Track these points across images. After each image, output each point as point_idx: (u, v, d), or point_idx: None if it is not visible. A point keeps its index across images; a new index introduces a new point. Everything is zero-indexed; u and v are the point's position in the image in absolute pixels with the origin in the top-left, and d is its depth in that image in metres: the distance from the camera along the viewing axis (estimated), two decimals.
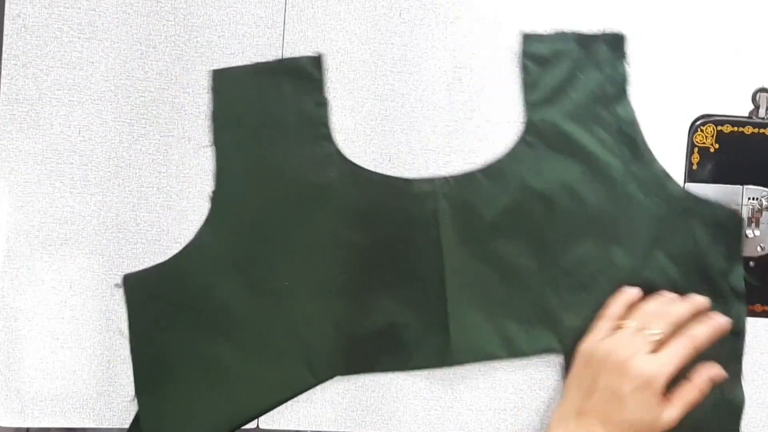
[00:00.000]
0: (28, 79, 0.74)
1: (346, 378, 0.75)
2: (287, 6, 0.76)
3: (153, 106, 0.75)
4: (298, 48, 0.75)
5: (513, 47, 0.76)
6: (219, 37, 0.76)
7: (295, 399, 0.74)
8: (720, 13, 0.77)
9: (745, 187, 0.77)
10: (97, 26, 0.75)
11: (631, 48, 0.76)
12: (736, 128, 0.77)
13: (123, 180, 0.75)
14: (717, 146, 0.77)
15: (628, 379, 0.63)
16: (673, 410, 0.64)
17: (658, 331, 0.66)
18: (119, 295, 0.74)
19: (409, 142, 0.76)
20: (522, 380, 0.75)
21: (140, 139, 0.75)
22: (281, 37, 0.76)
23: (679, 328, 0.67)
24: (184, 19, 0.75)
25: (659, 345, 0.66)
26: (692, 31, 0.77)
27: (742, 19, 0.77)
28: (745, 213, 0.76)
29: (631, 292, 0.71)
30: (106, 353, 0.74)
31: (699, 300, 0.70)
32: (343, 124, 0.75)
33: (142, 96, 0.75)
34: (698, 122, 0.77)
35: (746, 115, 0.77)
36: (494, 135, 0.76)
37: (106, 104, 0.75)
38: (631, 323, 0.67)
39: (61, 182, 0.75)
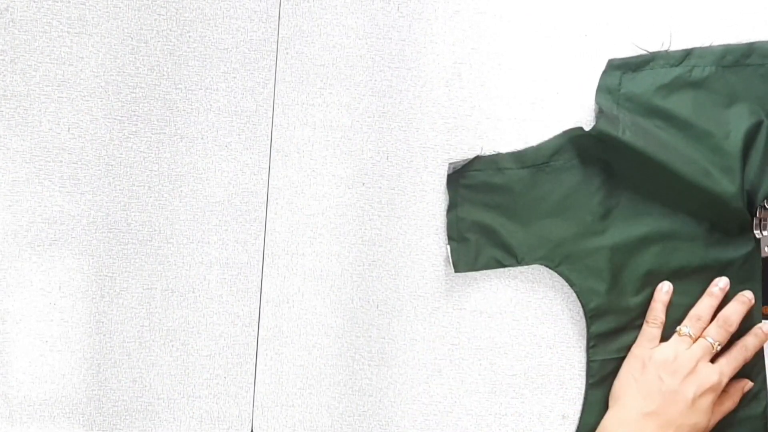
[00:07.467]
0: (16, 75, 0.73)
1: (342, 382, 0.74)
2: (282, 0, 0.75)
3: (144, 102, 0.74)
4: (293, 43, 0.74)
5: (513, 42, 0.75)
6: (212, 31, 0.74)
7: (291, 404, 0.73)
8: (728, 4, 0.76)
9: None
10: (87, 20, 0.74)
11: (635, 38, 0.75)
12: None
13: (114, 178, 0.74)
14: None
15: (696, 385, 0.68)
16: (714, 416, 0.70)
17: (718, 343, 0.71)
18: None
19: (408, 140, 0.75)
20: (523, 384, 0.74)
21: (131, 136, 0.74)
22: (276, 32, 0.75)
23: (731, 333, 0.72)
24: (176, 13, 0.74)
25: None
26: (698, 21, 0.76)
27: (749, 10, 0.76)
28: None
29: (667, 292, 0.73)
30: (96, 357, 0.73)
31: (747, 298, 0.73)
32: (340, 121, 0.74)
33: (133, 92, 0.74)
34: None
35: None
36: (495, 132, 0.75)
37: (96, 101, 0.74)
38: (686, 329, 0.71)
39: (50, 181, 0.73)
